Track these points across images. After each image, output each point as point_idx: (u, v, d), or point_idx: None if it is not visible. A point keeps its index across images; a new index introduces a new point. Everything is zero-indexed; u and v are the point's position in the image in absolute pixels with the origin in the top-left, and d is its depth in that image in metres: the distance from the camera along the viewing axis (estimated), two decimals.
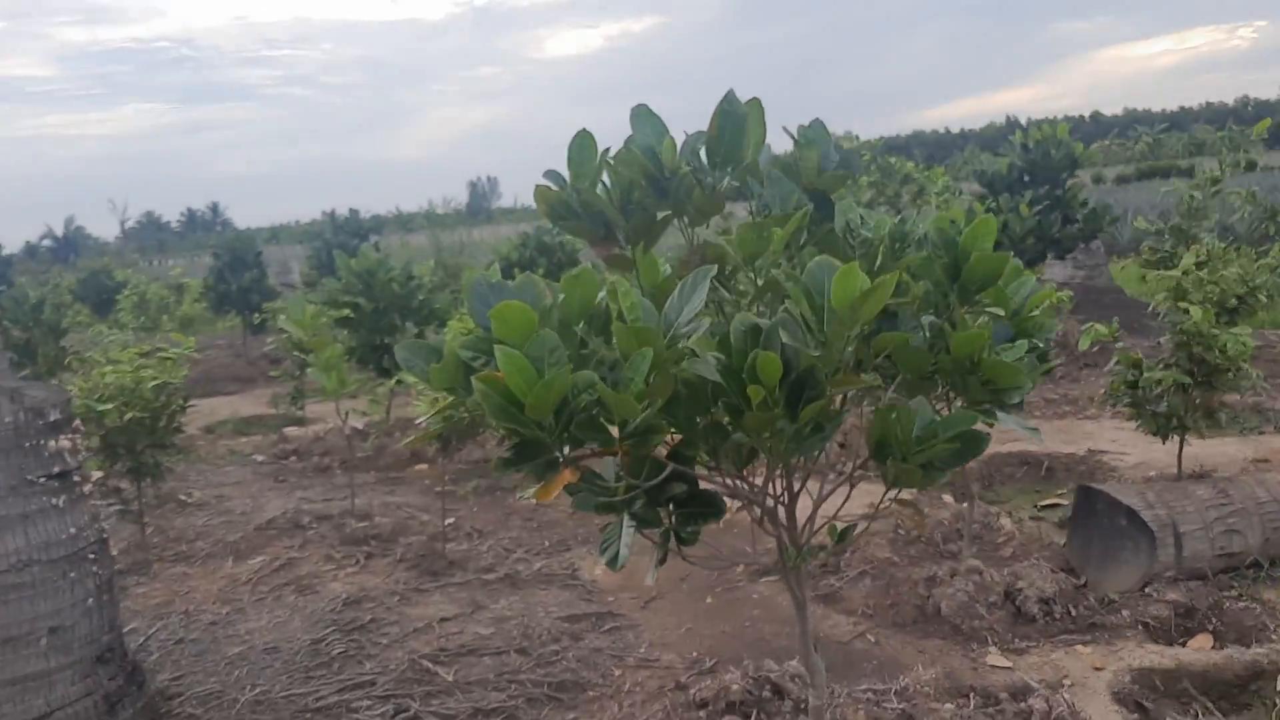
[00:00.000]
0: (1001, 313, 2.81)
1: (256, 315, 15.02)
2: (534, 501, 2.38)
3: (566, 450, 2.18)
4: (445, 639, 4.57)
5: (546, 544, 6.20)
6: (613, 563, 2.35)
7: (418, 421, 8.11)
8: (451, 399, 5.25)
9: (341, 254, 9.33)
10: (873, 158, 12.32)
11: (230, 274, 15.74)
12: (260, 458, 9.81)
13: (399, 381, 9.30)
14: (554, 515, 6.84)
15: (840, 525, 2.93)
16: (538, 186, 2.94)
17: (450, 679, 4.12)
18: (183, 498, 7.55)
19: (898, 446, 2.44)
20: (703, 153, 2.68)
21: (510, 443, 2.22)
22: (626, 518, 2.43)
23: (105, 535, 3.77)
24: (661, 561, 2.56)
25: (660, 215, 2.80)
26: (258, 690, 3.97)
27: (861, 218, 2.83)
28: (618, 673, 4.31)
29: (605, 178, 2.89)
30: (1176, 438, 5.61)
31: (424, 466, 8.87)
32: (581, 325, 2.38)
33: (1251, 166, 11.82)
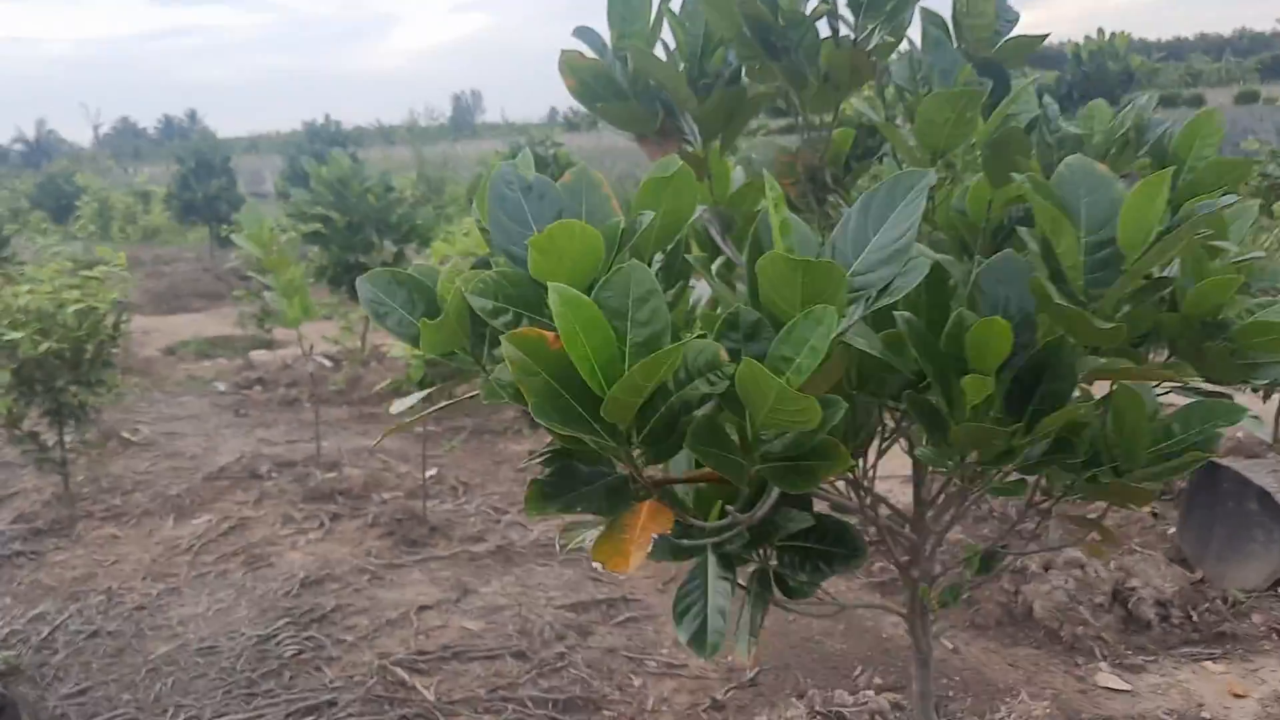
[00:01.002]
0: (1235, 249, 1.86)
1: (224, 227, 13.92)
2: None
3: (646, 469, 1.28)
4: (425, 635, 3.70)
5: None
6: (701, 645, 1.44)
7: (396, 358, 7.19)
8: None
9: (311, 161, 8.28)
10: None
11: (196, 181, 14.58)
12: (222, 386, 8.87)
13: None
14: None
15: (977, 548, 2.08)
16: (564, 54, 1.99)
17: (431, 696, 3.26)
18: (125, 435, 6.62)
19: (1125, 449, 1.53)
20: None
21: (553, 450, 1.32)
22: (714, 564, 1.52)
23: None
24: (758, 625, 1.68)
25: (755, 89, 1.86)
26: (183, 717, 3.10)
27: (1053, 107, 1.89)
28: (637, 683, 3.46)
29: (665, 38, 1.96)
30: None
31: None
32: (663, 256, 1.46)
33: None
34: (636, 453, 1.22)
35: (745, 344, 1.21)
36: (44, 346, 4.55)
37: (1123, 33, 9.81)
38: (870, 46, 1.64)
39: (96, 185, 18.24)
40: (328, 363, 5.74)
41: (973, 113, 1.51)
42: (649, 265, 1.57)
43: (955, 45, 1.87)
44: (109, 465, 5.80)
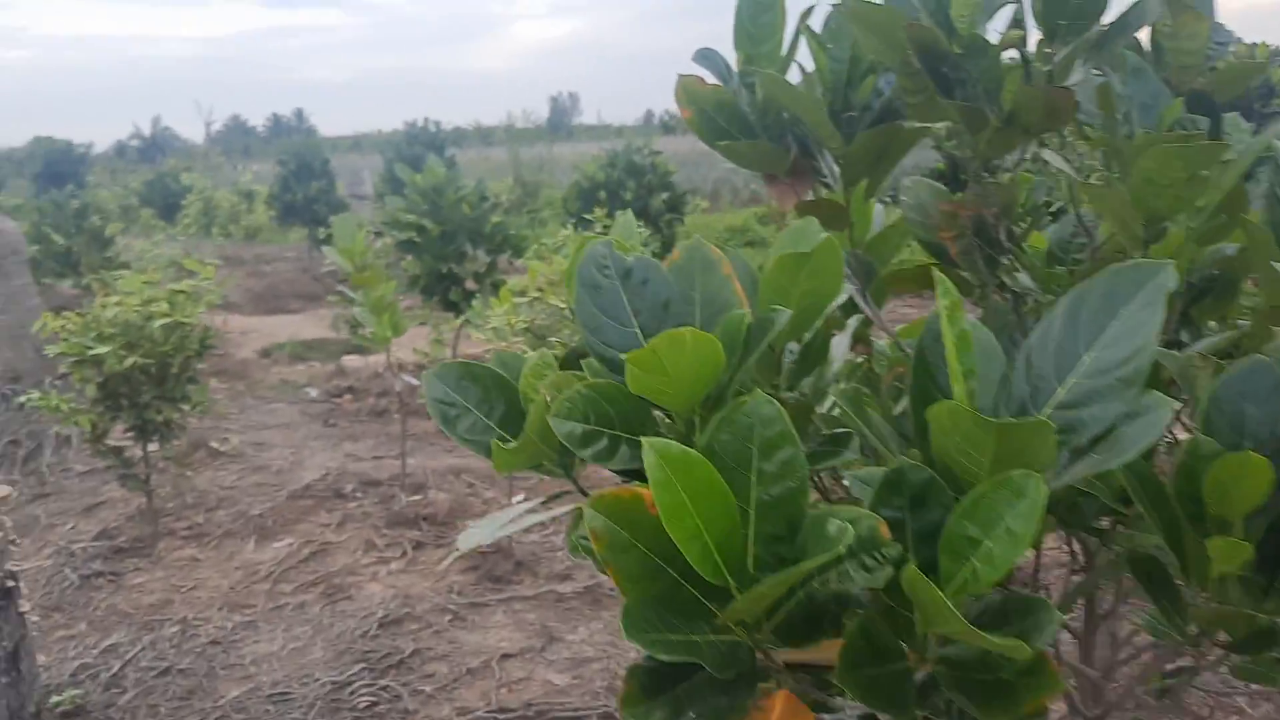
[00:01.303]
0: None
1: (321, 229, 13.99)
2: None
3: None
4: (507, 688, 3.46)
5: None
6: None
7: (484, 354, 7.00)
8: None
9: (406, 168, 8.16)
10: None
11: (296, 183, 14.71)
12: (314, 392, 8.82)
13: (466, 320, 8.21)
14: None
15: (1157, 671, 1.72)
16: (681, 81, 1.70)
17: None
18: (215, 445, 6.55)
19: None
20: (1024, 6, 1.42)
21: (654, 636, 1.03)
22: None
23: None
24: None
25: (912, 125, 1.55)
26: None
27: None
28: None
29: (802, 60, 1.67)
30: None
31: None
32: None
33: None
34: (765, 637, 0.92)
35: (912, 513, 0.90)
36: (129, 361, 4.44)
37: (1262, 43, 9.11)
38: (1071, 82, 1.32)
39: (202, 184, 18.62)
40: (415, 382, 5.55)
41: (1209, 169, 1.18)
42: (780, 364, 1.28)
43: (1156, 74, 1.53)
44: (196, 477, 5.71)
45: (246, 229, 17.13)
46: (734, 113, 1.67)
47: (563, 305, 4.31)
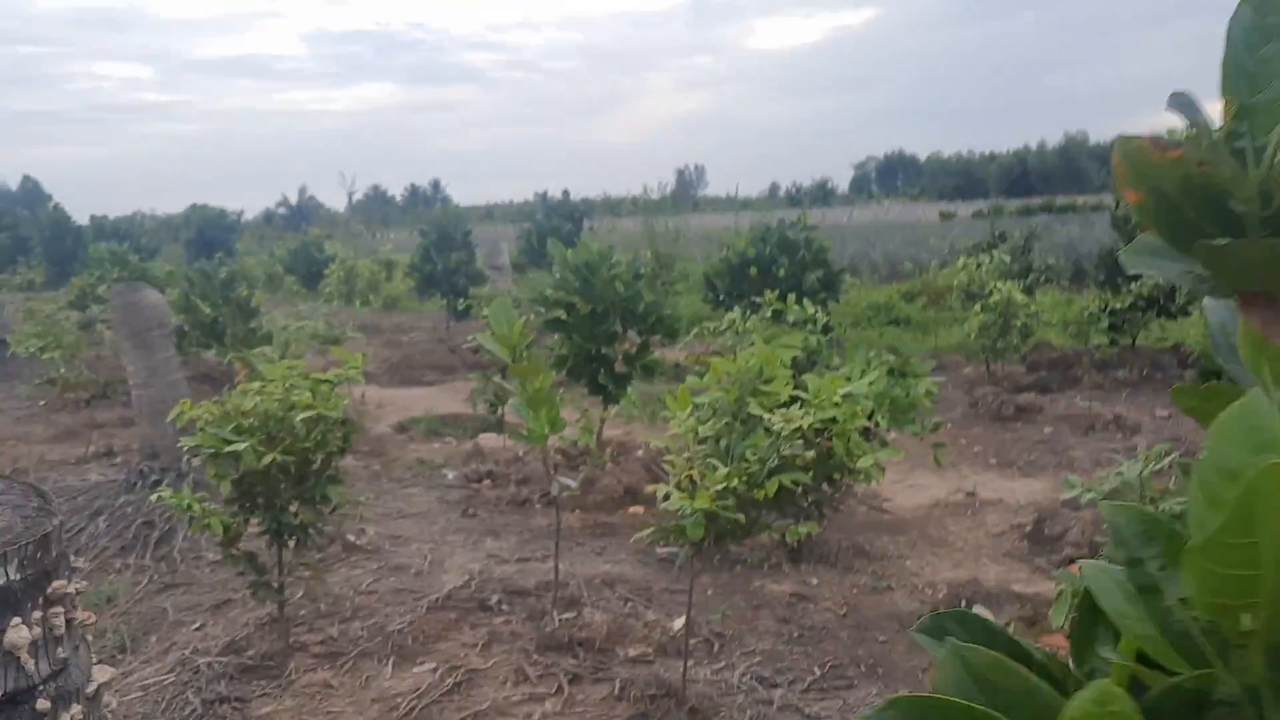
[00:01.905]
0: None
1: (461, 301, 13.80)
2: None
3: None
4: None
5: (816, 670, 4.38)
6: None
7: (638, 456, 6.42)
8: (725, 480, 3.49)
9: (557, 243, 7.74)
10: None
11: (436, 253, 14.61)
12: (450, 474, 8.40)
13: (617, 405, 7.68)
14: (820, 617, 5.01)
15: None
16: (1124, 146, 1.07)
17: None
18: (351, 538, 6.12)
19: None
20: None
21: None
22: None
23: None
24: None
25: None
26: None
27: None
28: None
29: None
30: None
31: (639, 510, 7.20)
32: None
33: None
34: None
35: None
36: (268, 458, 4.00)
37: None
38: None
39: (343, 254, 18.86)
40: (572, 484, 5.00)
41: None
42: None
43: None
44: (330, 576, 5.26)
45: (386, 298, 17.15)
46: (1208, 195, 1.05)
47: (762, 414, 3.71)
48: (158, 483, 7.31)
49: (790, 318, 6.57)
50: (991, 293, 8.53)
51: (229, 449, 3.99)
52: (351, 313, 20.43)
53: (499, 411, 9.51)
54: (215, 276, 9.89)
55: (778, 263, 10.14)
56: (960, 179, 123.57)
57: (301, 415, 4.07)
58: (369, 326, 18.72)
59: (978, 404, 9.23)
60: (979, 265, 8.83)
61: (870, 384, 5.33)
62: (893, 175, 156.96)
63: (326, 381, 4.18)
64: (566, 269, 7.42)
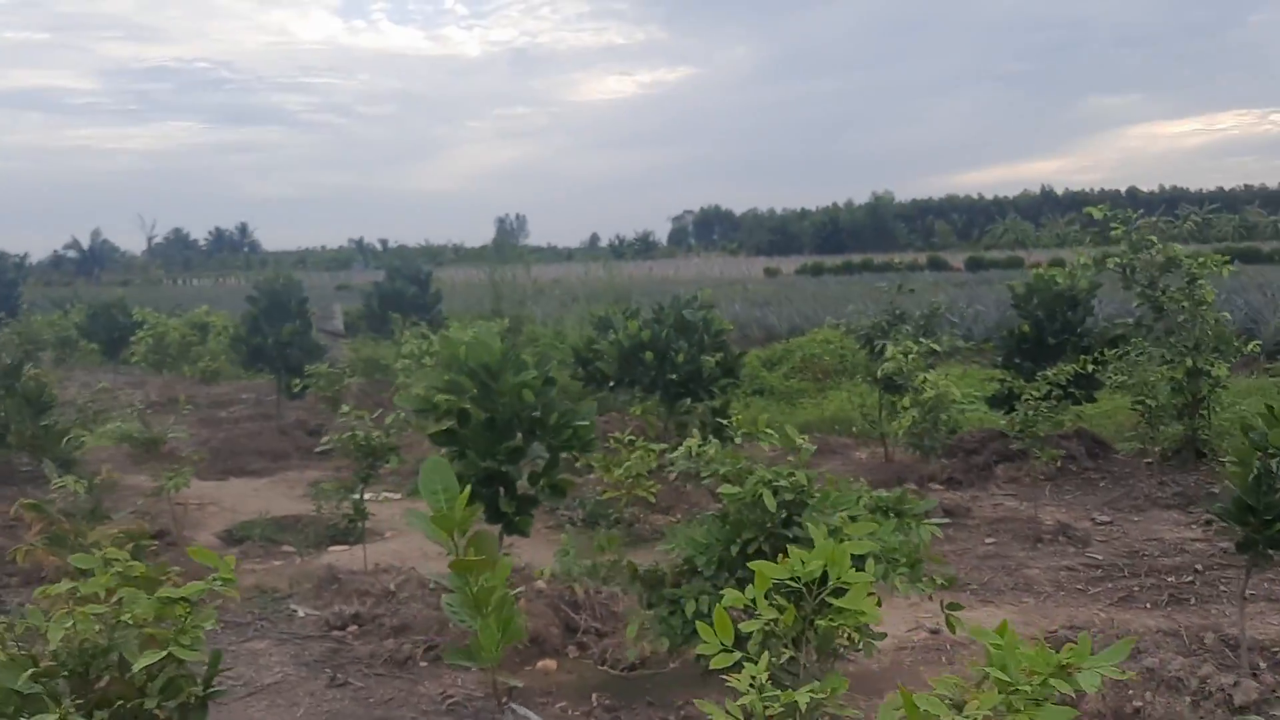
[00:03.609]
0: None
1: (297, 381, 12.10)
2: None
3: None
4: None
5: None
6: None
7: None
8: None
9: (449, 337, 6.42)
10: (1125, 232, 9.38)
11: (267, 324, 12.84)
12: (302, 612, 6.87)
13: (518, 535, 6.38)
14: None
15: None
16: None
17: None
18: None
19: None
20: None
21: None
22: None
23: None
24: None
25: None
26: None
27: None
28: None
29: None
30: None
31: (551, 664, 5.90)
32: None
33: None
34: None
35: None
36: None
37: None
38: None
39: (153, 318, 16.69)
40: (534, 718, 3.68)
41: None
42: None
43: None
44: None
45: (204, 370, 15.13)
46: None
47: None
48: None
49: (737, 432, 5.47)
50: (923, 387, 7.71)
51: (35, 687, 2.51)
52: (161, 382, 18.15)
53: (359, 526, 8.00)
54: None
55: (675, 346, 9.07)
56: (776, 234, 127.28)
57: (140, 661, 2.63)
58: (182, 400, 16.59)
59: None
60: (907, 354, 7.99)
61: (877, 536, 4.29)
62: (709, 229, 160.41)
63: (182, 600, 2.76)
64: (459, 369, 6.09)
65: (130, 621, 2.79)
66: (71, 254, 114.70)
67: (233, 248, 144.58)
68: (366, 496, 8.24)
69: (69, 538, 4.46)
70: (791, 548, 2.90)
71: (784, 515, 4.56)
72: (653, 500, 7.84)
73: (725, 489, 4.50)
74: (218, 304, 33.34)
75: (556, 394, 6.56)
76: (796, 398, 16.30)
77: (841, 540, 4.38)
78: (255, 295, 13.41)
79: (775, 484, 4.51)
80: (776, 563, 4.67)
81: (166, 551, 8.69)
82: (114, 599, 2.85)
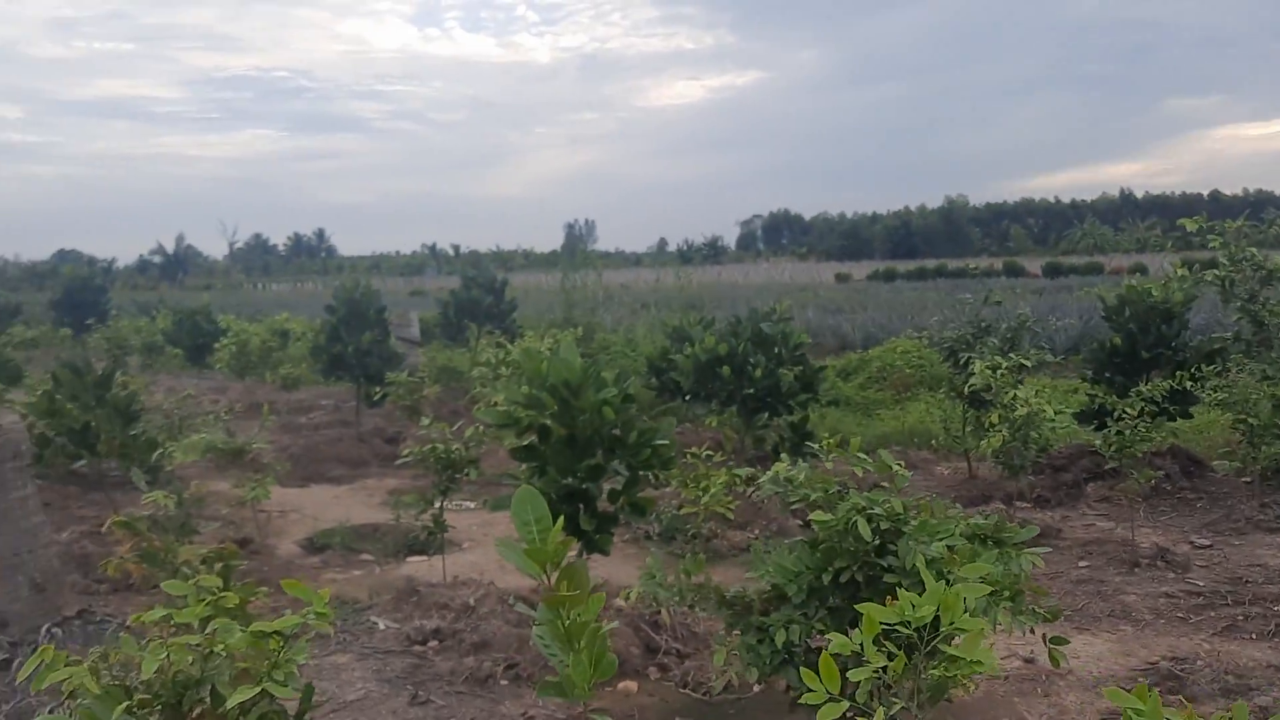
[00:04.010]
0: None
1: (376, 389, 12.20)
2: None
3: None
4: None
5: None
6: None
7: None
8: None
9: (530, 351, 6.37)
10: (1223, 244, 9.02)
11: (347, 333, 12.97)
12: (383, 625, 6.87)
13: (599, 553, 6.30)
14: None
15: None
16: None
17: None
18: None
19: None
20: None
21: None
22: None
23: None
24: None
25: None
26: None
27: None
28: None
29: None
30: None
31: (631, 686, 5.82)
32: None
33: None
34: None
35: None
36: None
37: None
38: None
39: (237, 326, 17.01)
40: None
41: None
42: None
43: None
44: None
45: (285, 377, 15.36)
46: None
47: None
48: (7, 661, 5.61)
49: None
50: (1014, 404, 7.46)
51: None
52: (243, 388, 18.49)
53: (438, 538, 8.00)
54: (88, 373, 8.17)
55: (752, 360, 8.93)
56: (846, 239, 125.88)
57: (234, 697, 2.60)
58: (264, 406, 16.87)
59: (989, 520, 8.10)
60: (995, 369, 7.75)
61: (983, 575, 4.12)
62: (778, 233, 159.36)
63: (275, 634, 2.72)
64: (540, 385, 6.04)
65: (223, 653, 2.77)
66: (156, 259, 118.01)
67: (310, 253, 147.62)
68: (445, 506, 8.25)
69: (159, 555, 4.50)
70: (902, 592, 2.76)
71: (878, 543, 4.41)
72: (731, 517, 7.72)
73: (817, 516, 4.37)
74: (296, 309, 34.01)
75: (634, 409, 6.47)
76: (874, 409, 16.02)
77: (943, 572, 4.24)
78: (334, 304, 13.57)
79: (869, 511, 4.36)
80: (870, 591, 4.54)
81: (250, 559, 8.84)
82: (207, 628, 2.82)
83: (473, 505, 10.49)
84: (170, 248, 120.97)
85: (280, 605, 7.39)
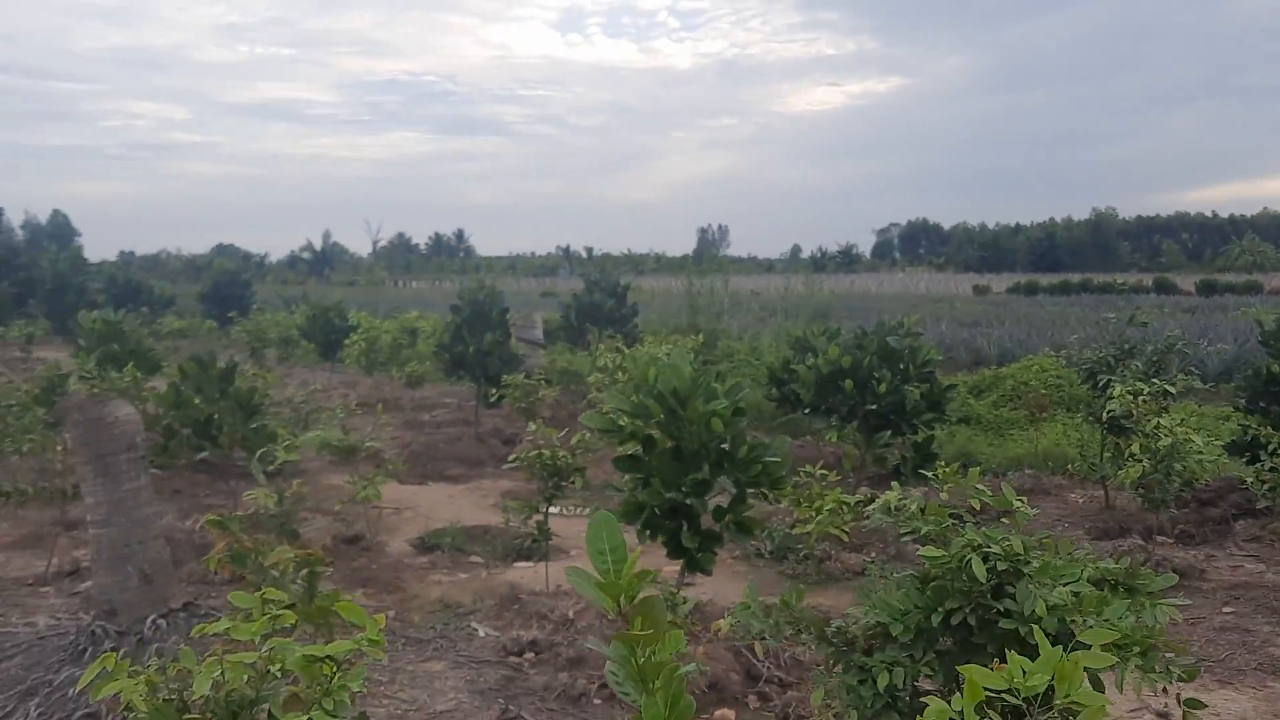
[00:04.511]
0: None
1: (494, 391, 12.24)
2: None
3: None
4: None
5: None
6: None
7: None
8: None
9: (637, 358, 6.19)
10: None
11: (469, 333, 13.06)
12: (482, 632, 6.79)
13: (700, 571, 6.07)
14: None
15: None
16: None
17: None
18: None
19: None
20: None
21: None
22: None
23: None
24: None
25: None
26: None
27: None
28: None
29: None
30: None
31: (729, 714, 5.56)
32: None
33: None
34: None
35: None
36: None
37: None
38: None
39: (366, 323, 17.41)
40: None
41: None
42: None
43: None
44: None
45: (410, 375, 15.62)
46: None
47: None
48: (113, 650, 5.71)
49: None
50: (1157, 433, 6.90)
51: None
52: (371, 383, 18.92)
53: (543, 546, 7.90)
54: (212, 367, 8.37)
55: (877, 375, 8.54)
56: (986, 250, 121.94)
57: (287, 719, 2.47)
58: (388, 402, 17.18)
59: (1120, 562, 7.52)
60: (1136, 395, 7.19)
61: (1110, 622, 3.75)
62: (915, 242, 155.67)
63: (328, 659, 2.59)
64: (647, 393, 5.84)
65: (279, 674, 2.65)
66: (305, 255, 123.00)
67: (449, 252, 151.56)
68: (552, 511, 8.14)
69: (249, 556, 4.48)
70: (1012, 655, 2.45)
71: (994, 584, 4.05)
72: (845, 538, 7.37)
73: (927, 551, 4.04)
74: (433, 306, 34.73)
75: (749, 418, 6.22)
76: (1006, 429, 15.30)
77: (1065, 621, 3.86)
78: (458, 305, 13.69)
79: (986, 549, 4.01)
80: (983, 635, 4.18)
81: (360, 556, 8.93)
82: (265, 646, 2.71)
83: (583, 511, 10.38)
84: (318, 245, 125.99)
85: (383, 606, 7.42)
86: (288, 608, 2.94)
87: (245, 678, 2.65)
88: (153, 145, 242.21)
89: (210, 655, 2.71)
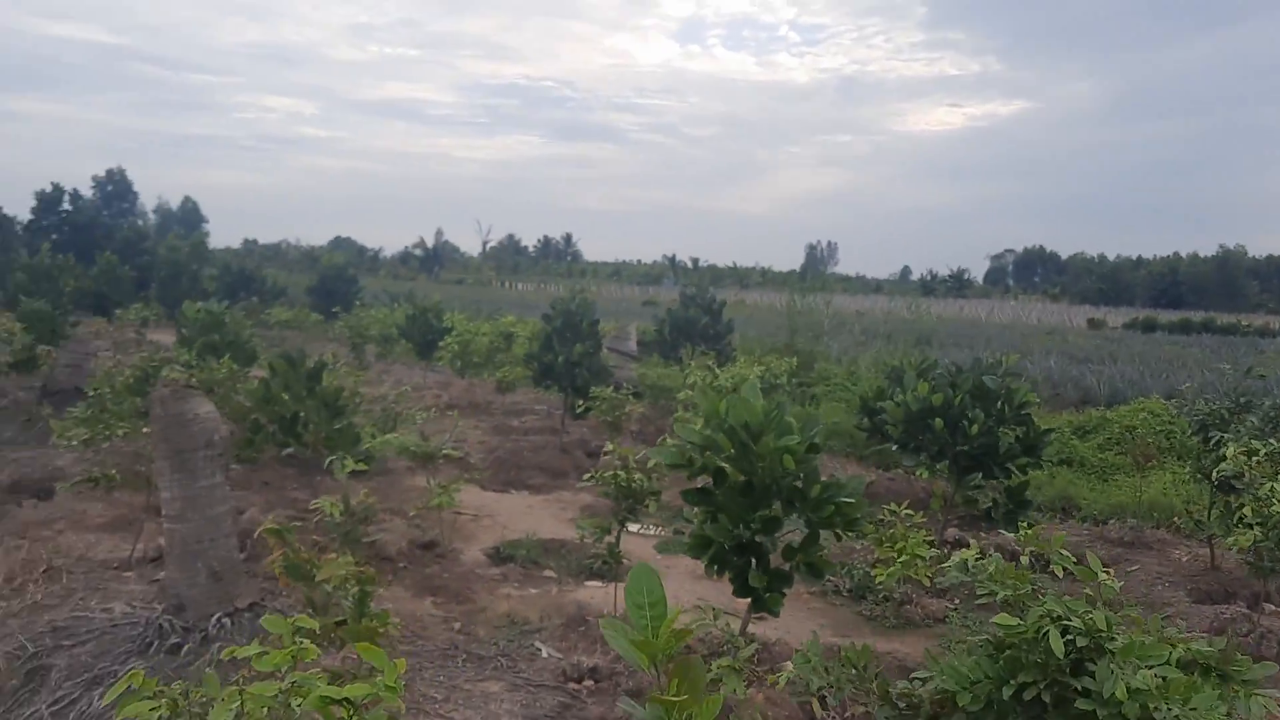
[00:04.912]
0: None
1: (580, 403, 12.19)
2: None
3: None
4: None
5: None
6: None
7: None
8: None
9: (708, 393, 6.02)
10: None
11: (560, 343, 13.05)
12: (545, 653, 6.69)
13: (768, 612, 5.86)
14: None
15: None
16: None
17: None
18: None
19: None
20: None
21: None
22: None
23: None
24: None
25: None
26: None
27: None
28: None
29: None
30: None
31: None
32: None
33: None
34: None
35: None
36: None
37: None
38: None
39: (462, 326, 17.60)
40: None
41: None
42: None
43: None
44: None
45: (502, 380, 15.69)
46: None
47: None
48: (178, 646, 5.79)
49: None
50: (1272, 497, 6.43)
51: None
52: (464, 385, 19.10)
53: (614, 568, 7.77)
54: (301, 365, 8.48)
55: (969, 415, 8.19)
56: (1104, 282, 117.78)
57: None
58: (479, 405, 17.29)
59: (1224, 633, 7.04)
60: (1251, 455, 6.73)
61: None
62: (1030, 270, 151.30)
63: (345, 701, 2.49)
64: (718, 426, 5.66)
65: (298, 710, 2.57)
66: (417, 252, 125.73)
67: (557, 255, 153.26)
68: (630, 529, 8.01)
69: (303, 567, 4.45)
70: None
71: (1073, 659, 3.77)
72: (927, 583, 7.07)
73: (1002, 619, 3.78)
74: (536, 310, 35.02)
75: (839, 446, 5.99)
76: (1110, 474, 14.62)
77: (1147, 708, 3.56)
78: (550, 313, 13.70)
79: (1065, 621, 3.73)
80: (1058, 715, 3.89)
81: (434, 564, 8.94)
82: (288, 679, 2.63)
83: (659, 531, 10.22)
84: (430, 242, 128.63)
85: (450, 616, 7.38)
86: (338, 623, 2.87)
87: (265, 711, 2.58)
88: (281, 138, 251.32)
89: (232, 684, 2.65)
